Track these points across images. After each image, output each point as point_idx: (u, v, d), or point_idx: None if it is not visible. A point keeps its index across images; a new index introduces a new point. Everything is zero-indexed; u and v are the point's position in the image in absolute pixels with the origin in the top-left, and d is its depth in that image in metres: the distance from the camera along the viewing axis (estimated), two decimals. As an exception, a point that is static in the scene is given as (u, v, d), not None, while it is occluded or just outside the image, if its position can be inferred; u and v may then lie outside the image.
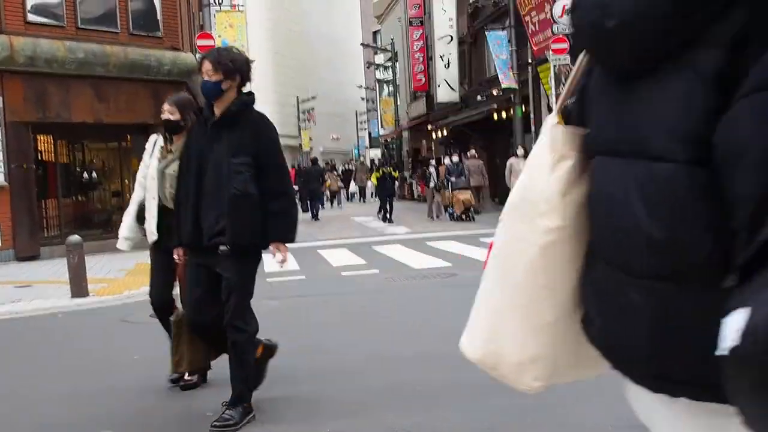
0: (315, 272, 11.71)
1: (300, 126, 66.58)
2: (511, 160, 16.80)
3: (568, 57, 18.44)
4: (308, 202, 25.06)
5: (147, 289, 11.04)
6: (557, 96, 19.04)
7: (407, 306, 8.08)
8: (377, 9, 51.11)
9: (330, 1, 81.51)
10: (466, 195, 20.01)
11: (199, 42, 16.76)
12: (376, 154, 57.29)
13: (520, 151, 17.08)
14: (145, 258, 13.79)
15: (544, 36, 20.08)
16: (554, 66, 18.76)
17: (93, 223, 17.38)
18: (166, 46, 17.24)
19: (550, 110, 21.40)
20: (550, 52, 18.54)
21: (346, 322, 7.38)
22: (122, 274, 12.88)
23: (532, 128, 22.06)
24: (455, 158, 21.17)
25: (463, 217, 19.75)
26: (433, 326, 6.80)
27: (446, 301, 8.15)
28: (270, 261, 12.26)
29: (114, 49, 16.14)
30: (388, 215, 21.57)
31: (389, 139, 43.37)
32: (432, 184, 21.67)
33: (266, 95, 64.93)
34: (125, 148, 18.04)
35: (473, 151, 22.81)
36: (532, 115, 21.99)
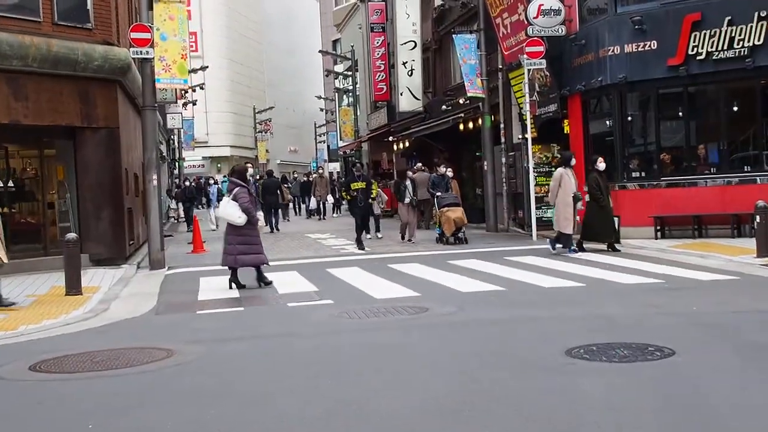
0: (257, 301, 9.85)
1: (256, 137, 64.42)
2: (561, 171, 13.73)
3: (543, 61, 16.92)
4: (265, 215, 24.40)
5: (49, 323, 9.11)
6: (531, 104, 17.46)
7: (369, 360, 6.19)
8: (337, 17, 49.43)
9: (289, 9, 79.70)
10: (457, 213, 16.69)
11: (133, 35, 14.70)
12: (334, 167, 55.43)
13: (573, 161, 14.05)
14: (61, 280, 11.84)
15: (517, 39, 18.53)
16: (528, 71, 17.18)
17: (11, 240, 15.25)
18: (97, 39, 15.23)
19: (521, 119, 19.89)
20: (525, 55, 16.96)
21: (286, 389, 5.51)
22: (30, 301, 10.85)
23: (502, 139, 20.49)
24: (441, 169, 18.01)
25: (453, 240, 16.72)
26: (407, 399, 4.99)
27: (419, 352, 6.33)
28: (206, 286, 9.90)
29: (35, 41, 14.10)
30: (362, 237, 17.25)
31: (348, 151, 41.53)
32: (407, 200, 18.23)
33: (220, 105, 62.84)
34: (49, 155, 15.95)
35: (420, 164, 21.36)
36: (501, 125, 20.40)
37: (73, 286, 11.41)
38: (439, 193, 17.37)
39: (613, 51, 15.57)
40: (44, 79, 14.50)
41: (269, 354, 6.59)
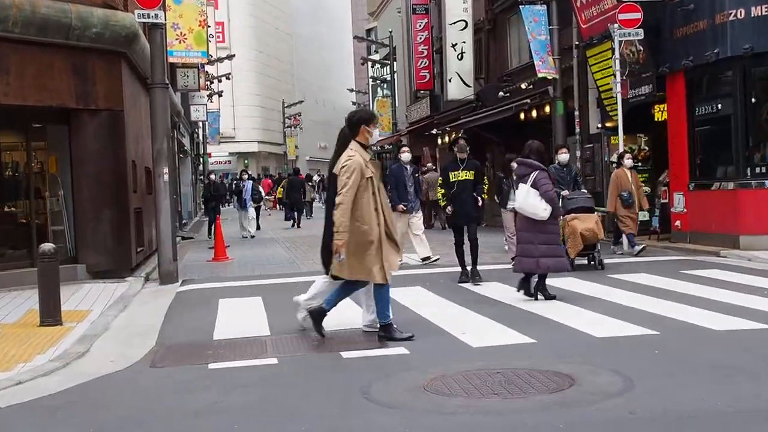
0: (292, 345, 6.89)
1: (285, 132, 61.67)
2: None
3: (640, 31, 13.85)
4: (290, 211, 26.33)
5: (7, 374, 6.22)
6: (623, 84, 14.39)
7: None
8: (371, 5, 46.37)
9: (319, 2, 76.91)
10: (588, 223, 11.09)
11: (140, -5, 11.94)
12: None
13: None
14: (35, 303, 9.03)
15: (600, 8, 15.45)
16: (620, 43, 14.06)
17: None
18: (95, 2, 12.41)
19: (600, 105, 16.80)
20: (616, 24, 13.86)
21: None
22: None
23: (576, 129, 17.40)
24: (562, 157, 12.27)
25: (587, 261, 11.38)
26: None
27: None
28: (226, 314, 6.43)
29: (16, 0, 11.30)
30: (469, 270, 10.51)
31: (386, 146, 38.45)
32: (512, 204, 10.36)
33: (247, 98, 60.17)
34: (38, 142, 13.14)
35: (430, 164, 17.70)
36: (576, 112, 17.29)
37: (50, 314, 8.56)
38: (565, 192, 11.72)
39: (735, 16, 12.42)
40: (30, 48, 11.68)
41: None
